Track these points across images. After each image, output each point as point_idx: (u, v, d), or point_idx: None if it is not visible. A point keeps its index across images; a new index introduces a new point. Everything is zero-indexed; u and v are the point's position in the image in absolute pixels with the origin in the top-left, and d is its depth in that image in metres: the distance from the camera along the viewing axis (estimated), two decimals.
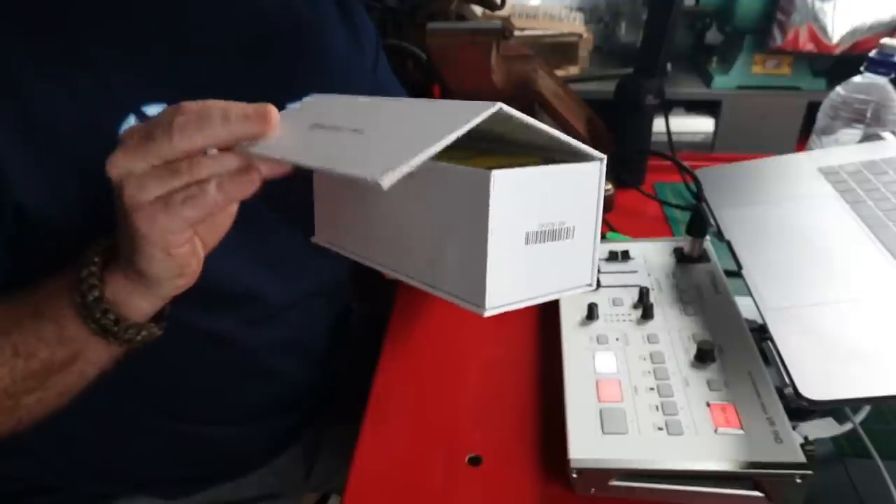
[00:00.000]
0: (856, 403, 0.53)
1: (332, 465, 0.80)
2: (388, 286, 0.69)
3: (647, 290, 0.60)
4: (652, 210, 0.88)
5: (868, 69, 0.81)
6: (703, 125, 1.46)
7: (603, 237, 0.77)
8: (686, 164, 0.82)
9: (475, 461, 0.52)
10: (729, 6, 1.36)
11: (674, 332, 0.57)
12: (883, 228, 0.59)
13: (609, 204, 0.84)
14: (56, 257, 0.45)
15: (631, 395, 0.51)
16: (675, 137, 0.95)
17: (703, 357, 0.53)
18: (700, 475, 0.46)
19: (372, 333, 0.70)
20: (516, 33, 0.97)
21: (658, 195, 0.89)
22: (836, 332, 0.50)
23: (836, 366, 0.47)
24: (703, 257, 0.66)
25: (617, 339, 0.57)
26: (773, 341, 0.51)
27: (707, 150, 1.44)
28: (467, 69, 0.82)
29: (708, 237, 0.67)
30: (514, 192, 0.33)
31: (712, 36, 1.55)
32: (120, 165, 0.38)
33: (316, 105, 0.44)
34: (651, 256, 0.68)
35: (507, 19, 1.01)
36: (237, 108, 0.37)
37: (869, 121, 0.80)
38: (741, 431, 0.47)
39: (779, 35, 1.33)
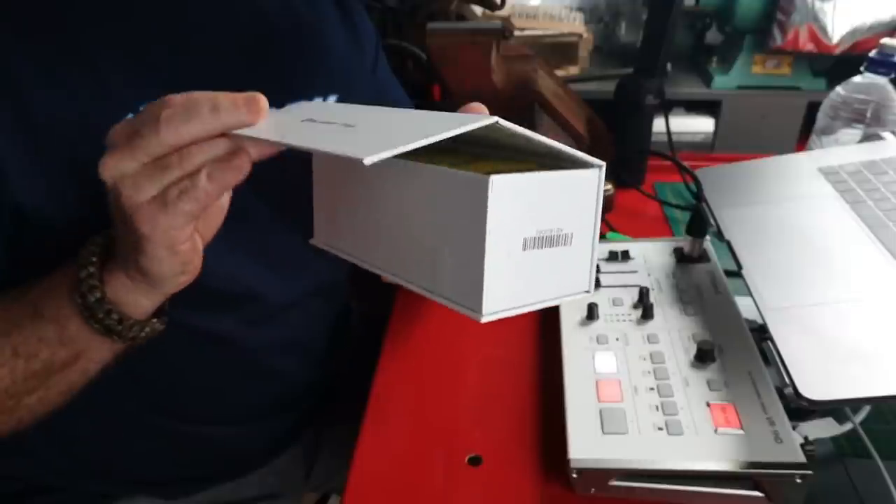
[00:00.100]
0: (856, 403, 0.53)
1: (332, 465, 0.80)
2: (388, 286, 0.69)
3: (647, 290, 0.60)
4: (652, 210, 0.88)
5: (868, 69, 0.81)
6: (703, 125, 1.46)
7: (603, 237, 0.77)
8: (686, 164, 0.82)
9: (475, 461, 0.52)
10: (729, 6, 1.36)
11: (674, 332, 0.57)
12: (883, 228, 0.59)
13: (609, 204, 0.84)
14: (55, 257, 0.45)
15: (631, 395, 0.51)
16: (675, 137, 0.95)
17: (703, 357, 0.53)
18: (700, 475, 0.46)
19: (372, 333, 0.70)
20: (516, 33, 0.98)
21: (658, 195, 0.89)
22: (836, 332, 0.50)
23: (836, 366, 0.47)
24: (703, 257, 0.66)
25: (617, 339, 0.57)
26: (773, 341, 0.51)
27: (707, 150, 1.44)
28: (467, 69, 0.82)
29: (708, 237, 0.67)
30: (512, 198, 0.33)
31: (712, 36, 1.55)
32: (112, 168, 0.37)
33: (312, 107, 0.44)
34: (651, 256, 0.68)
35: (507, 19, 1.01)
36: (226, 97, 0.37)
37: (869, 121, 0.80)
38: (741, 431, 0.47)
39: (779, 35, 1.33)
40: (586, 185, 0.36)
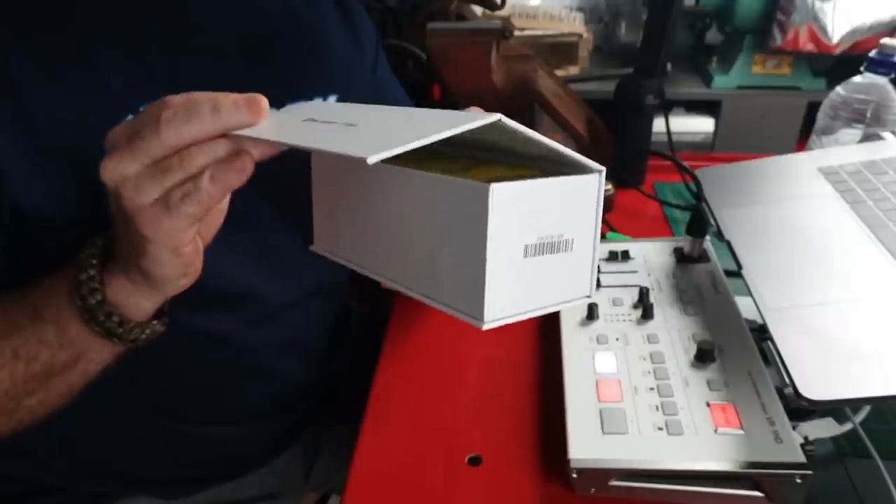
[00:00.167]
0: (856, 403, 0.53)
1: (332, 465, 0.80)
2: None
3: (647, 290, 0.60)
4: (652, 210, 0.88)
5: (868, 69, 0.80)
6: (703, 125, 1.46)
7: (603, 237, 0.77)
8: (686, 164, 0.82)
9: (475, 461, 0.52)
10: (729, 6, 1.36)
11: (674, 332, 0.57)
12: (883, 228, 0.59)
13: (609, 204, 0.84)
14: (55, 257, 0.45)
15: (631, 395, 0.51)
16: (675, 137, 0.95)
17: (703, 357, 0.53)
18: (700, 475, 0.46)
19: (372, 333, 0.70)
20: (516, 33, 0.98)
21: (658, 195, 0.89)
22: (836, 332, 0.50)
23: (836, 366, 0.47)
24: (703, 257, 0.66)
25: (617, 339, 0.57)
26: (773, 341, 0.51)
27: (707, 150, 1.44)
28: (467, 69, 0.82)
29: (708, 237, 0.67)
30: (512, 205, 0.33)
31: (712, 36, 1.55)
32: (112, 170, 0.37)
33: (312, 107, 0.44)
34: (651, 256, 0.68)
35: (507, 19, 1.01)
36: (226, 97, 0.36)
37: (869, 121, 0.80)
38: (741, 431, 0.47)
39: (779, 35, 1.33)
40: (587, 190, 0.36)
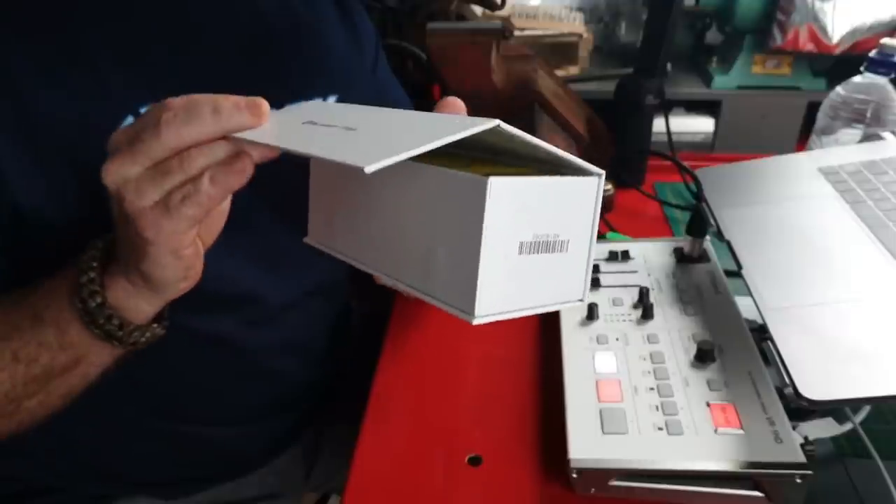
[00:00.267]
0: (856, 403, 0.53)
1: (332, 465, 0.80)
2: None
3: (647, 290, 0.60)
4: (652, 210, 0.88)
5: (868, 69, 0.80)
6: (703, 125, 1.46)
7: (603, 237, 0.77)
8: (686, 164, 0.82)
9: (475, 461, 0.52)
10: (729, 6, 1.36)
11: (674, 332, 0.57)
12: (883, 228, 0.59)
13: (609, 204, 0.84)
14: (55, 258, 0.45)
15: (631, 395, 0.51)
16: (675, 137, 0.95)
17: (703, 357, 0.53)
18: (700, 475, 0.46)
19: (372, 333, 0.70)
20: (516, 33, 0.98)
21: (658, 195, 0.89)
22: (836, 332, 0.50)
23: (836, 366, 0.47)
24: (703, 257, 0.66)
25: (617, 339, 0.57)
26: (773, 341, 0.51)
27: (707, 150, 1.44)
28: (467, 69, 0.82)
29: (708, 237, 0.67)
30: (510, 200, 0.33)
31: (712, 36, 1.55)
32: (114, 173, 0.37)
33: (312, 107, 0.44)
34: (651, 256, 0.68)
35: (507, 19, 1.01)
36: (228, 100, 0.36)
37: (869, 121, 0.80)
38: (741, 431, 0.47)
39: (779, 35, 1.32)
40: (585, 192, 0.36)
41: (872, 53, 0.80)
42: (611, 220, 0.81)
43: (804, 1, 1.28)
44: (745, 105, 1.43)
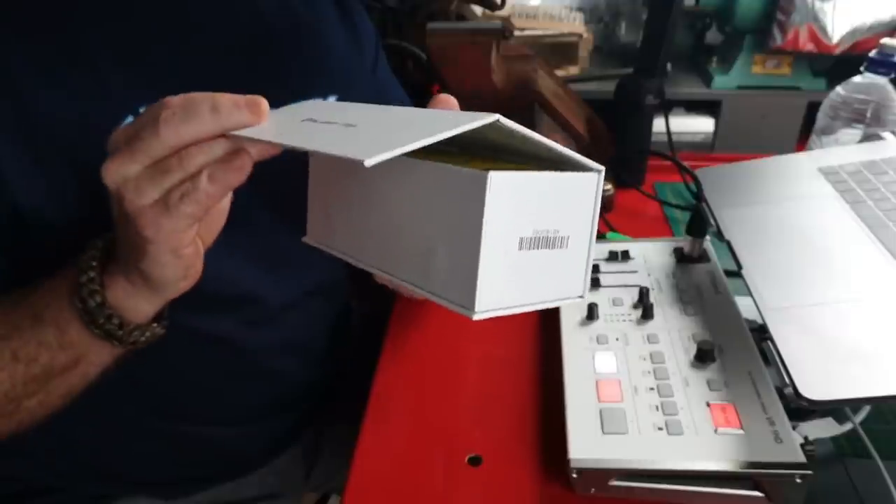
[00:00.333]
0: (856, 403, 0.53)
1: (332, 465, 0.80)
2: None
3: (647, 290, 0.60)
4: (652, 210, 0.88)
5: (868, 69, 0.80)
6: (703, 125, 1.46)
7: (603, 237, 0.77)
8: (686, 164, 0.82)
9: (475, 461, 0.52)
10: (729, 6, 1.36)
11: (674, 332, 0.57)
12: (883, 228, 0.59)
13: (609, 204, 0.84)
14: (54, 258, 0.45)
15: (631, 395, 0.51)
16: (675, 137, 0.95)
17: (703, 357, 0.53)
18: (700, 475, 0.46)
19: (372, 333, 0.70)
20: (516, 33, 0.98)
21: (658, 195, 0.89)
22: (836, 332, 0.50)
23: (836, 366, 0.47)
24: (703, 257, 0.66)
25: (617, 339, 0.57)
26: (773, 341, 0.51)
27: (707, 150, 1.44)
28: (467, 69, 0.82)
29: (708, 237, 0.67)
30: (510, 195, 0.33)
31: (712, 36, 1.55)
32: (114, 172, 0.37)
33: (311, 106, 0.44)
34: (651, 256, 0.68)
35: (507, 19, 1.01)
36: (227, 98, 0.36)
37: (869, 121, 0.80)
38: (741, 431, 0.47)
39: (779, 35, 1.32)
40: (585, 188, 0.36)
41: (872, 53, 0.80)
42: (611, 220, 0.81)
43: (804, 1, 1.28)
44: (745, 105, 1.43)
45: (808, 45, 1.31)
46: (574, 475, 0.47)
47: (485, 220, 0.32)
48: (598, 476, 0.47)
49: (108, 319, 0.43)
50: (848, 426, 0.52)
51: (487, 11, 1.11)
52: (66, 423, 0.50)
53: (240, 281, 0.59)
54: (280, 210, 0.59)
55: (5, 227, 0.47)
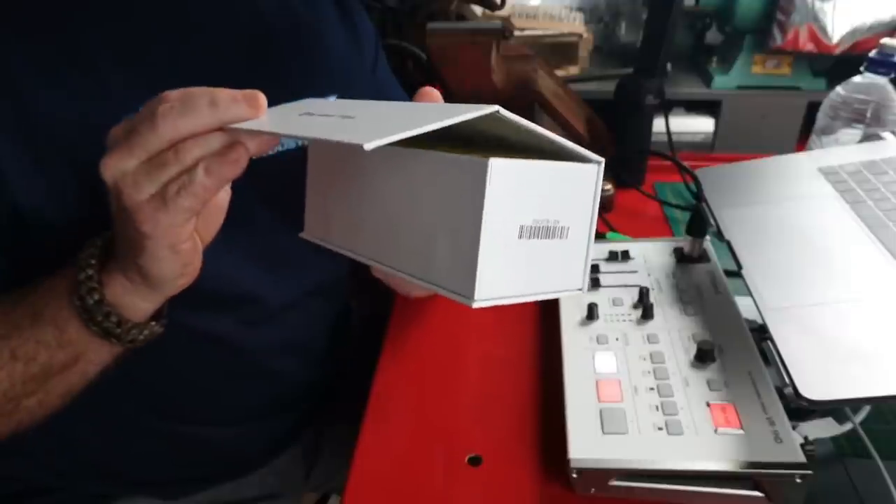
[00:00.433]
0: (856, 403, 0.53)
1: (332, 465, 0.80)
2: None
3: (647, 290, 0.60)
4: (652, 210, 0.88)
5: (868, 69, 0.80)
6: (703, 125, 1.46)
7: (603, 237, 0.77)
8: (686, 164, 0.82)
9: (475, 461, 0.52)
10: (729, 6, 1.36)
11: (674, 332, 0.57)
12: (883, 228, 0.59)
13: (609, 204, 0.84)
14: (54, 258, 0.45)
15: (631, 395, 0.51)
16: (675, 137, 0.95)
17: (703, 357, 0.53)
18: (700, 475, 0.46)
19: (372, 333, 0.70)
20: (516, 33, 0.98)
21: (658, 195, 0.89)
22: (836, 332, 0.50)
23: (836, 366, 0.47)
24: (703, 257, 0.66)
25: (617, 339, 0.57)
26: (773, 341, 0.51)
27: (707, 150, 1.44)
28: (467, 69, 0.82)
29: (708, 237, 0.67)
30: (511, 183, 0.33)
31: (712, 36, 1.55)
32: (112, 167, 0.37)
33: (309, 102, 0.44)
34: (651, 256, 0.68)
35: (507, 19, 1.01)
36: (225, 92, 0.36)
37: (869, 121, 0.80)
38: (741, 431, 0.47)
39: (779, 35, 1.32)
40: (585, 179, 0.36)
41: (872, 53, 0.80)
42: (611, 220, 0.81)
43: (804, 1, 1.27)
44: (745, 105, 1.43)
45: (808, 45, 1.31)
46: (574, 475, 0.47)
47: (485, 206, 0.32)
48: (598, 476, 0.47)
49: (106, 317, 0.43)
50: (848, 426, 0.52)
51: (487, 11, 1.11)
52: (65, 422, 0.50)
53: (239, 280, 0.59)
54: (280, 209, 0.59)
55: (5, 227, 0.47)
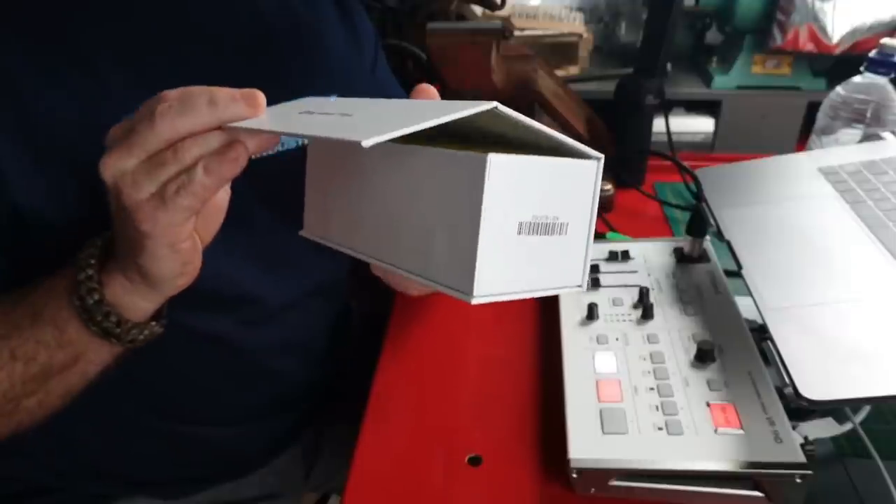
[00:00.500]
0: (856, 403, 0.53)
1: (332, 465, 0.80)
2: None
3: (647, 290, 0.60)
4: (652, 210, 0.88)
5: (868, 69, 0.80)
6: (703, 125, 1.46)
7: (603, 237, 0.77)
8: (686, 164, 0.82)
9: (475, 461, 0.52)
10: (729, 6, 1.36)
11: (674, 332, 0.57)
12: (883, 228, 0.59)
13: (609, 204, 0.84)
14: (54, 258, 0.45)
15: (631, 395, 0.51)
16: (675, 137, 0.95)
17: (703, 357, 0.53)
18: (700, 475, 0.46)
19: (372, 333, 0.70)
20: (516, 33, 0.98)
21: (658, 195, 0.89)
22: (836, 332, 0.50)
23: (836, 366, 0.47)
24: (703, 257, 0.66)
25: (617, 339, 0.57)
26: (773, 341, 0.51)
27: (707, 150, 1.44)
28: (467, 69, 0.82)
29: (708, 237, 0.67)
30: (510, 178, 0.33)
31: (712, 36, 1.55)
32: (111, 167, 0.37)
33: (308, 101, 0.44)
34: (651, 256, 0.68)
35: (507, 19, 1.01)
36: (224, 91, 0.36)
37: (869, 121, 0.80)
38: (741, 431, 0.47)
39: (779, 35, 1.32)
40: (585, 175, 0.36)
41: (872, 53, 0.80)
42: (611, 220, 0.81)
43: (804, 1, 1.27)
44: (745, 105, 1.43)
45: (808, 45, 1.31)
46: (574, 475, 0.47)
47: (484, 202, 0.32)
48: (598, 476, 0.47)
49: (105, 317, 0.43)
50: (848, 426, 0.52)
51: (487, 11, 1.11)
52: (65, 422, 0.50)
53: (239, 280, 0.59)
54: (280, 209, 0.59)
55: (5, 227, 0.47)
